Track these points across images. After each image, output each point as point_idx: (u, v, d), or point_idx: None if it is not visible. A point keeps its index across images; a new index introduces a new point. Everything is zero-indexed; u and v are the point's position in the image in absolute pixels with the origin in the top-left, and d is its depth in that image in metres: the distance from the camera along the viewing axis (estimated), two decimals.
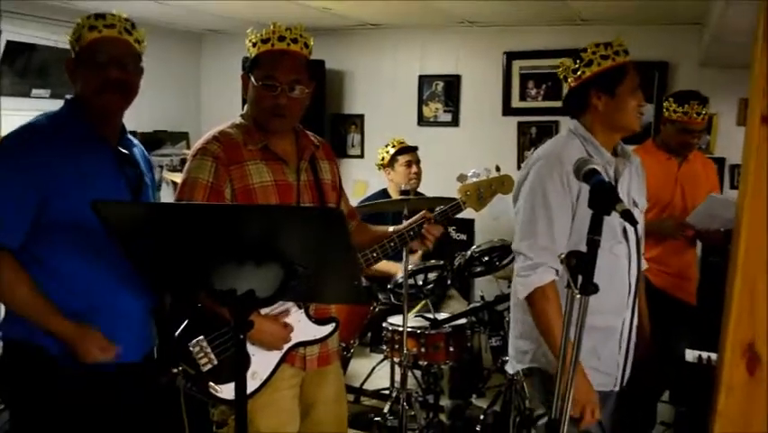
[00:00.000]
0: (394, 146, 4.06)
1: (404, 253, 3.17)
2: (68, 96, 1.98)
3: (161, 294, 2.02)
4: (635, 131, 2.21)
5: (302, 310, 2.09)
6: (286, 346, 2.04)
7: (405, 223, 2.21)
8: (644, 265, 2.27)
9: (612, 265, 2.06)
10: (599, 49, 2.08)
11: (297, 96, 2.02)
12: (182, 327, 1.96)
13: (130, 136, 2.09)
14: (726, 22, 2.81)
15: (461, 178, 2.24)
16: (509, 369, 2.31)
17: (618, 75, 2.08)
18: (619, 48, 2.10)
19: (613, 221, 1.54)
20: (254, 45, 2.04)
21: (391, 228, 2.21)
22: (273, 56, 2.01)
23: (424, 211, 2.20)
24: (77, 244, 1.85)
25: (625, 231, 2.07)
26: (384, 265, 3.52)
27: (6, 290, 1.84)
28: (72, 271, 1.87)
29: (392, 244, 2.13)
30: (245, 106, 2.12)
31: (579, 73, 2.10)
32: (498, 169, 2.27)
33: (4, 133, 1.92)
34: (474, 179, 2.27)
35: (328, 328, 2.13)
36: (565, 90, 2.23)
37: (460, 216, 2.25)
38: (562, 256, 1.49)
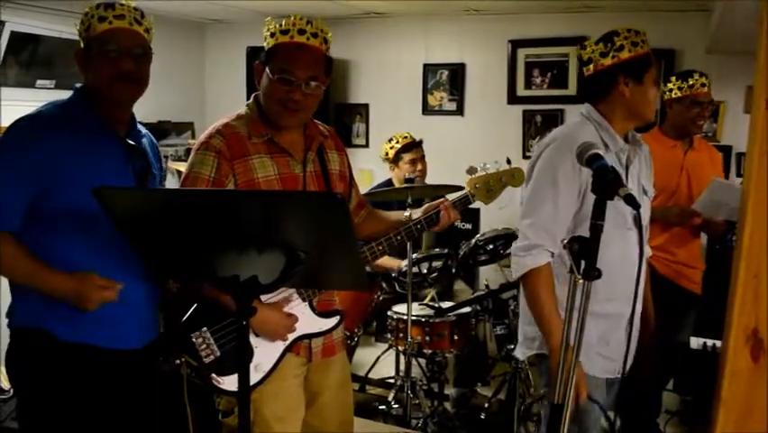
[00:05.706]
0: (398, 142, 3.98)
1: (408, 245, 3.16)
2: (77, 85, 1.97)
3: (164, 281, 2.02)
4: (650, 121, 2.21)
5: (306, 303, 2.08)
6: (290, 338, 2.03)
7: (419, 210, 2.16)
8: (648, 252, 2.26)
9: (623, 252, 2.06)
10: (631, 35, 2.07)
11: (312, 93, 1.98)
12: (186, 316, 1.96)
13: (140, 127, 2.08)
14: (733, 4, 2.78)
15: (471, 170, 2.20)
16: (519, 354, 2.31)
17: (646, 63, 2.08)
18: (644, 36, 2.09)
19: (624, 208, 1.53)
20: (272, 35, 1.98)
21: (407, 213, 2.16)
22: (292, 49, 1.96)
23: (438, 200, 2.16)
24: (82, 232, 1.85)
25: (635, 218, 2.06)
26: (386, 261, 3.51)
27: (6, 265, 1.85)
28: (78, 259, 1.87)
29: (398, 237, 2.09)
30: (251, 96, 2.08)
31: (609, 57, 2.08)
32: (508, 161, 2.23)
33: (6, 124, 1.93)
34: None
35: (332, 321, 2.12)
36: (581, 74, 2.18)
37: None
38: (565, 241, 1.49)
